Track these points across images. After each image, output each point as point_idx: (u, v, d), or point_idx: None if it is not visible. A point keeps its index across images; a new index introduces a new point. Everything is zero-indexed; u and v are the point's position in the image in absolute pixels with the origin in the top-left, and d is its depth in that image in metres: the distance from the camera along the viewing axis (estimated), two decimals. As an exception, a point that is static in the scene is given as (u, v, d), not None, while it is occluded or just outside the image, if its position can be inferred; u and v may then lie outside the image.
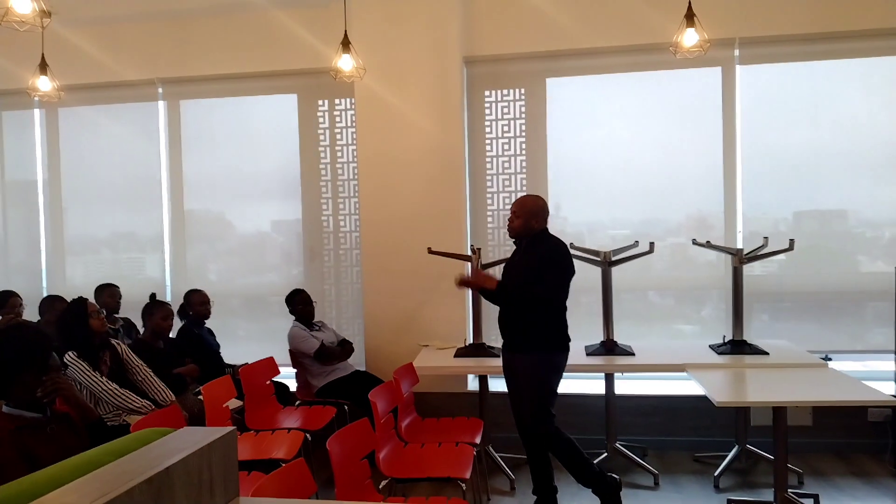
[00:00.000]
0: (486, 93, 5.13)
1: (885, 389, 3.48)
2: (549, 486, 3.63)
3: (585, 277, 4.26)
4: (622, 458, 4.36)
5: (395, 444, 3.48)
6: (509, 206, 5.06)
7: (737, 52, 4.82)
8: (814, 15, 4.64)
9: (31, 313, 4.85)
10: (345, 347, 4.78)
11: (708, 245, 4.44)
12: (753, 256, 4.33)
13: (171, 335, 4.39)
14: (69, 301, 3.66)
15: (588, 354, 4.26)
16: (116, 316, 4.90)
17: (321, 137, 5.33)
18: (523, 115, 5.09)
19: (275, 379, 4.45)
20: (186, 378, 4.12)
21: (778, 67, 4.83)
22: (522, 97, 5.09)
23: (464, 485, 3.10)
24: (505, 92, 5.11)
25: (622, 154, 4.98)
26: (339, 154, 5.31)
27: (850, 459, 4.44)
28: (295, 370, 4.77)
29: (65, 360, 3.36)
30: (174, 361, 4.18)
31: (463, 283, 3.64)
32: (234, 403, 3.92)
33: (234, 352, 4.93)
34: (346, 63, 4.17)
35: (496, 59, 5.06)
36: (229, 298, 5.49)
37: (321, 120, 5.33)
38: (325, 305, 5.33)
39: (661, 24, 4.57)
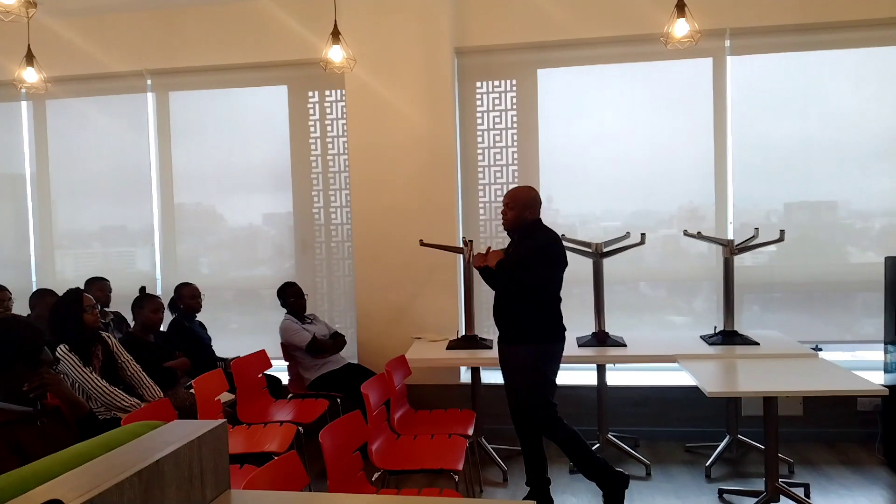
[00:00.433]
0: (478, 84, 5.11)
1: (875, 379, 3.51)
2: (542, 478, 3.64)
3: (577, 269, 4.26)
4: (614, 448, 4.38)
5: (387, 437, 3.48)
6: (501, 199, 5.09)
7: (727, 43, 4.82)
8: (804, 5, 4.64)
9: (20, 307, 4.81)
10: (337, 340, 4.77)
11: (699, 236, 4.45)
12: (744, 247, 4.34)
13: (161, 328, 4.37)
14: (63, 293, 3.62)
15: (580, 346, 4.27)
16: (107, 310, 4.87)
17: (312, 129, 5.31)
18: (514, 107, 5.08)
19: (267, 372, 4.44)
20: (177, 371, 4.10)
21: (769, 58, 4.83)
22: (514, 88, 5.08)
23: (456, 476, 3.11)
24: (496, 83, 5.10)
25: (613, 145, 4.98)
26: (329, 146, 5.29)
27: (841, 448, 4.47)
28: (287, 363, 4.76)
29: (57, 353, 3.33)
30: (165, 355, 4.16)
31: (479, 259, 3.59)
32: (226, 397, 3.90)
33: (226, 345, 4.92)
34: (336, 54, 4.14)
35: (487, 50, 5.04)
36: (221, 291, 5.47)
37: (311, 111, 5.31)
38: (317, 298, 5.32)
39: (651, 14, 4.57)
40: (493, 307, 3.65)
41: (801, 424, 4.58)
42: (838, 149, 4.77)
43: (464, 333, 4.56)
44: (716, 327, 4.40)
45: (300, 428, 3.76)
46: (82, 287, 4.77)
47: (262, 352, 4.42)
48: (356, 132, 4.99)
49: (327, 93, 5.27)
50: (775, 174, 4.83)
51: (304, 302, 4.78)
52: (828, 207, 4.89)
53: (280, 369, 4.78)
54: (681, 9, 3.70)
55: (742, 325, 4.65)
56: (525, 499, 3.68)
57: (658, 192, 4.96)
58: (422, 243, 4.50)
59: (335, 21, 4.13)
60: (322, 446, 2.56)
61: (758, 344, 4.13)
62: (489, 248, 3.67)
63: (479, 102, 5.11)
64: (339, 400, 4.44)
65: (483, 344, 4.37)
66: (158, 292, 5.26)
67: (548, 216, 4.45)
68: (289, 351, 4.69)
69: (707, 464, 4.17)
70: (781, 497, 3.52)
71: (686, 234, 4.50)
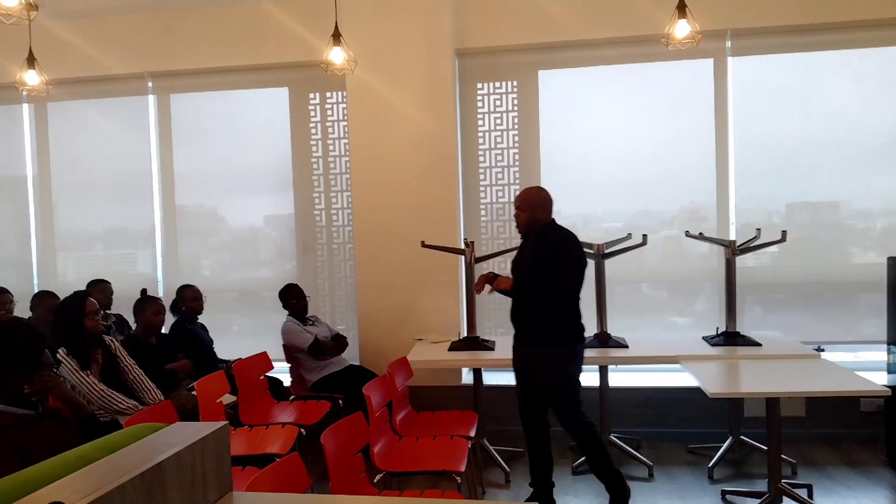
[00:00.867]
0: (479, 85, 5.11)
1: (877, 380, 3.50)
2: (546, 481, 3.63)
3: (579, 270, 4.25)
4: (616, 449, 4.37)
5: (389, 438, 3.47)
6: (502, 200, 5.10)
7: (729, 44, 4.82)
8: (805, 6, 4.64)
9: (22, 310, 4.81)
10: (338, 342, 4.77)
11: (701, 237, 4.45)
12: (746, 248, 4.34)
13: (163, 331, 4.37)
14: (65, 296, 3.60)
15: (582, 347, 4.26)
16: (108, 312, 4.87)
17: (313, 131, 5.31)
18: (516, 108, 5.08)
19: (269, 374, 4.43)
20: (179, 373, 4.10)
21: (770, 59, 4.83)
22: (515, 89, 5.08)
23: (459, 478, 3.10)
24: (497, 84, 5.10)
25: (615, 146, 4.97)
26: (331, 147, 5.29)
27: (843, 449, 4.46)
28: (289, 365, 4.75)
29: (57, 356, 3.32)
30: (166, 357, 4.16)
31: (481, 287, 3.62)
32: (227, 399, 3.90)
33: (228, 347, 4.91)
34: (336, 56, 4.14)
35: (488, 52, 5.04)
36: (222, 293, 5.47)
37: (312, 113, 5.31)
38: (319, 300, 5.32)
39: (652, 15, 4.57)
40: (510, 310, 3.61)
41: (804, 425, 4.57)
42: (840, 149, 4.76)
43: (465, 335, 4.56)
44: (718, 328, 4.39)
45: (302, 430, 3.75)
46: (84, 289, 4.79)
47: (264, 354, 4.42)
48: (357, 134, 4.99)
49: (328, 94, 5.28)
50: (777, 175, 4.83)
51: (305, 303, 4.78)
52: (830, 208, 4.88)
53: (282, 371, 4.78)
54: (682, 10, 3.70)
55: (744, 325, 4.64)
56: (527, 500, 3.67)
57: (660, 193, 4.96)
58: (423, 245, 4.50)
59: (336, 23, 4.13)
60: (324, 448, 2.56)
61: (760, 345, 4.12)
62: (488, 275, 3.64)
63: (480, 104, 5.11)
64: (340, 401, 4.44)
65: (485, 345, 4.36)
66: (160, 294, 5.27)
67: (549, 217, 4.43)
68: (290, 353, 4.68)
69: (710, 465, 4.16)
70: (784, 498, 3.52)
71: (688, 234, 4.50)
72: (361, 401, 3.34)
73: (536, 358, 3.50)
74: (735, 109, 4.85)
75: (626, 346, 4.23)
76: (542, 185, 4.91)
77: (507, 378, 4.93)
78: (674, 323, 5.07)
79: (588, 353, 4.18)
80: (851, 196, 4.82)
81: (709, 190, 4.90)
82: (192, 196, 5.59)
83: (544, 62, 5.04)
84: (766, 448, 3.67)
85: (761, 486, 3.73)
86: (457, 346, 4.41)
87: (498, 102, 5.09)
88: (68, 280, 5.58)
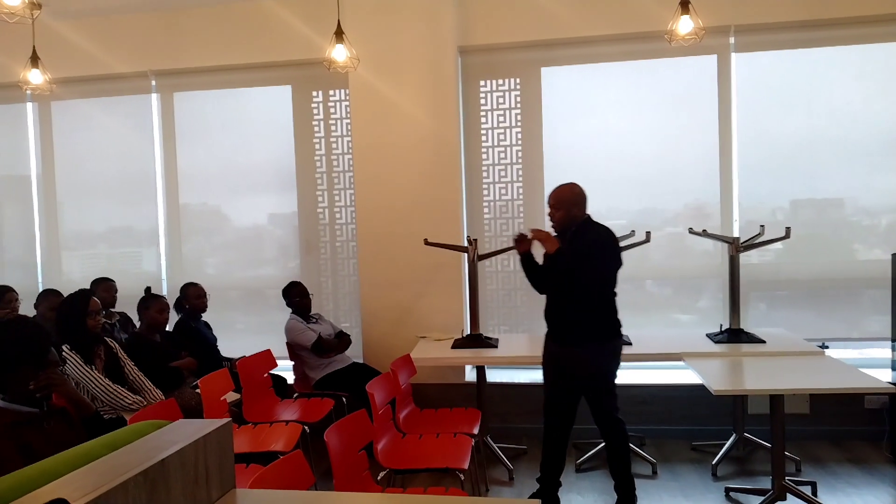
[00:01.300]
0: (481, 82, 5.10)
1: (882, 377, 3.49)
2: (554, 480, 3.63)
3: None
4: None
5: (393, 436, 3.48)
6: (505, 197, 5.10)
7: (732, 40, 4.80)
8: (809, 2, 4.62)
9: (27, 308, 4.83)
10: (342, 339, 4.77)
11: (704, 234, 4.44)
12: (750, 245, 4.32)
13: (167, 329, 4.38)
14: (69, 294, 3.62)
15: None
16: (112, 310, 4.88)
17: (316, 129, 5.31)
18: (518, 105, 5.07)
19: (272, 371, 4.44)
20: (183, 371, 4.11)
21: (773, 55, 4.81)
22: (517, 87, 5.07)
23: (462, 475, 3.10)
24: (500, 82, 5.09)
25: (618, 143, 4.96)
26: (333, 145, 5.29)
27: (848, 446, 4.45)
28: (292, 363, 4.76)
29: (62, 352, 3.34)
30: (170, 355, 4.16)
31: (534, 235, 3.53)
32: (231, 396, 3.91)
33: (232, 345, 4.92)
34: (339, 53, 4.14)
35: (491, 49, 5.04)
36: (226, 291, 5.48)
37: (315, 111, 5.31)
38: (322, 297, 5.32)
39: (656, 12, 4.55)
40: (544, 308, 3.57)
41: (808, 422, 4.56)
42: (844, 145, 4.74)
43: (469, 332, 4.56)
44: (722, 325, 4.38)
45: (306, 427, 3.76)
46: (89, 288, 4.80)
47: (268, 351, 4.43)
48: (360, 131, 4.99)
49: (331, 92, 5.27)
50: (781, 171, 4.81)
51: (309, 301, 4.78)
52: (834, 204, 4.86)
53: (285, 369, 4.79)
54: (685, 6, 3.69)
55: (748, 322, 4.63)
56: (531, 496, 3.67)
57: (663, 190, 4.95)
58: (426, 242, 4.50)
59: (339, 21, 4.13)
60: (328, 445, 2.56)
61: (764, 342, 4.12)
62: (536, 230, 3.54)
63: (482, 101, 5.11)
64: (344, 399, 4.45)
65: (488, 343, 4.36)
66: (164, 292, 5.27)
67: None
68: (294, 350, 4.69)
69: (713, 462, 4.16)
70: (788, 495, 3.51)
71: (691, 231, 4.49)
72: (365, 398, 3.34)
73: (579, 357, 3.45)
74: (739, 106, 4.83)
75: (630, 344, 4.21)
76: (544, 183, 4.96)
77: (511, 375, 4.95)
78: (677, 320, 5.06)
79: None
80: (856, 193, 4.80)
81: (712, 187, 4.89)
82: (195, 194, 5.59)
83: (547, 59, 5.03)
84: (769, 445, 3.67)
85: (765, 483, 3.72)
86: (460, 343, 4.41)
87: (501, 100, 5.09)
88: (73, 279, 5.59)
